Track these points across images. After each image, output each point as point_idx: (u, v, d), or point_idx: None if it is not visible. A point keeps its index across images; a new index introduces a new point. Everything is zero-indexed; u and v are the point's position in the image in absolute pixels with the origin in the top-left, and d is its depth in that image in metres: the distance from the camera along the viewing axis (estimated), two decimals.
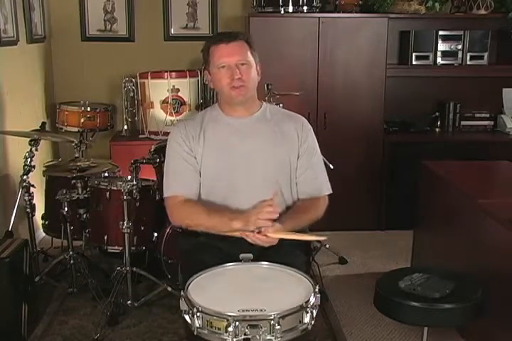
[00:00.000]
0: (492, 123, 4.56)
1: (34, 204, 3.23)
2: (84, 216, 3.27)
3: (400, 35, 4.52)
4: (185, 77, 4.20)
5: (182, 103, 4.19)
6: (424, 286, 2.25)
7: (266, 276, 1.90)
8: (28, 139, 3.14)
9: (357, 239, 4.17)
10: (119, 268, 3.06)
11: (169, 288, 3.07)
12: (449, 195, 2.98)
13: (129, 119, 4.39)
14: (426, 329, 2.36)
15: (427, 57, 4.38)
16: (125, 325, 2.93)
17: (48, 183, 3.52)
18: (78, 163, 3.37)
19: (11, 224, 3.10)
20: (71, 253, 3.21)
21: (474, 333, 2.67)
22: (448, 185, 2.98)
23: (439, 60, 4.39)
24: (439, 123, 4.55)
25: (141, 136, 4.30)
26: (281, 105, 3.12)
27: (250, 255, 1.98)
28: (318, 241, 3.70)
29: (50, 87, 4.45)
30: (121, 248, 3.11)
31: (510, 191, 2.91)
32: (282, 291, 1.81)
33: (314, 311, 1.71)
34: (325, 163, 2.37)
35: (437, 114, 4.56)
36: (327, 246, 3.73)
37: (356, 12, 4.14)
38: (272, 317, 1.61)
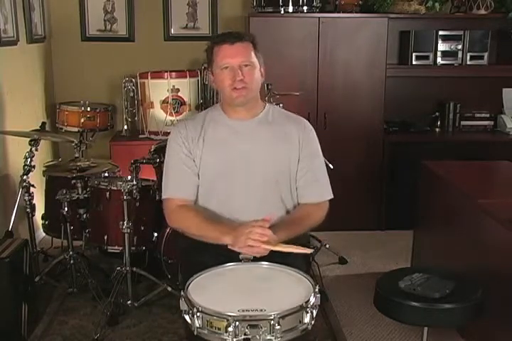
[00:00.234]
0: (492, 123, 4.56)
1: (34, 204, 3.23)
2: (84, 216, 3.28)
3: (399, 35, 4.52)
4: (185, 77, 4.20)
5: (182, 103, 4.19)
6: (424, 286, 2.24)
7: (266, 276, 1.90)
8: (28, 139, 3.14)
9: (357, 239, 4.17)
10: (119, 268, 3.06)
11: (169, 288, 3.07)
12: (449, 195, 2.98)
13: (129, 119, 4.39)
14: (426, 329, 2.36)
15: (427, 57, 4.38)
16: (125, 325, 2.93)
17: (47, 183, 3.52)
18: (78, 163, 3.37)
19: (11, 224, 3.11)
20: (71, 253, 3.21)
21: (474, 333, 2.67)
22: (448, 185, 2.98)
23: (439, 60, 4.39)
24: (439, 123, 4.56)
25: (141, 136, 4.30)
26: (281, 105, 3.12)
27: (250, 255, 1.98)
28: (318, 241, 3.71)
29: (50, 87, 4.45)
30: (121, 248, 3.11)
31: (510, 191, 2.91)
32: (282, 291, 1.81)
33: (314, 311, 1.71)
34: (325, 163, 2.36)
35: (437, 114, 4.56)
36: (327, 246, 3.73)
37: (356, 12, 4.14)
38: (271, 317, 1.61)
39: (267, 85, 3.54)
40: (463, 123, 4.57)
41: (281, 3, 4.01)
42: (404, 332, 2.87)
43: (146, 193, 3.18)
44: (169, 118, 4.15)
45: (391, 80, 4.22)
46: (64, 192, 3.12)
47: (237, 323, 1.60)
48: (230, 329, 1.60)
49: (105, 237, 3.17)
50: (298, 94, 3.83)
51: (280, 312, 1.62)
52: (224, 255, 2.03)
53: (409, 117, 4.53)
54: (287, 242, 2.02)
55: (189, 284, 1.81)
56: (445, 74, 4.51)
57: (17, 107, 3.72)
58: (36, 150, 3.13)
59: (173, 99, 4.16)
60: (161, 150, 3.04)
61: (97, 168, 3.37)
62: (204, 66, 4.34)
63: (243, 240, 1.92)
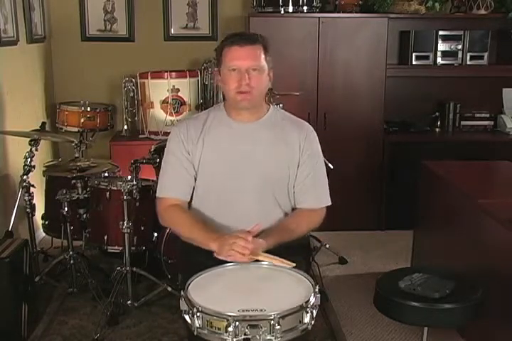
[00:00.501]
0: (492, 123, 4.56)
1: (34, 204, 3.23)
2: (84, 216, 3.28)
3: (400, 35, 4.52)
4: (185, 77, 4.20)
5: (182, 103, 4.19)
6: (424, 286, 2.25)
7: (266, 276, 1.90)
8: (28, 139, 3.14)
9: (357, 239, 4.17)
10: (119, 268, 3.06)
11: (169, 288, 3.07)
12: (449, 195, 2.98)
13: (129, 119, 4.39)
14: (426, 329, 2.36)
15: (427, 57, 4.38)
16: (125, 325, 2.93)
17: (47, 183, 3.52)
18: (78, 163, 3.37)
19: (11, 224, 3.11)
20: (71, 253, 3.21)
21: (474, 333, 2.67)
22: (448, 185, 2.98)
23: (439, 60, 4.39)
24: (439, 123, 4.56)
25: (141, 136, 4.30)
26: (281, 105, 3.12)
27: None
28: (318, 241, 3.71)
29: (50, 87, 4.45)
30: (121, 248, 3.11)
31: (510, 191, 2.91)
32: (282, 291, 1.81)
33: (314, 311, 1.71)
34: (325, 163, 2.36)
35: (437, 114, 4.56)
36: (327, 246, 3.73)
37: (356, 12, 4.14)
38: (272, 317, 1.61)
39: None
40: (463, 123, 4.57)
41: (281, 3, 4.01)
42: (404, 332, 2.87)
43: (146, 193, 3.18)
44: (169, 118, 4.16)
45: (391, 80, 4.22)
46: (64, 192, 3.13)
47: (237, 323, 1.60)
48: (230, 329, 1.60)
49: (105, 237, 3.17)
50: (298, 94, 3.83)
51: (280, 312, 1.62)
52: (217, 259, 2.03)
53: (409, 117, 4.53)
54: (284, 246, 2.02)
55: (189, 284, 1.81)
56: (445, 74, 4.51)
57: (17, 107, 3.72)
58: (36, 150, 3.13)
59: (173, 99, 4.16)
60: (161, 150, 3.03)
61: (97, 168, 3.37)
62: (204, 66, 4.35)
63: (226, 250, 1.92)
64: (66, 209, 3.13)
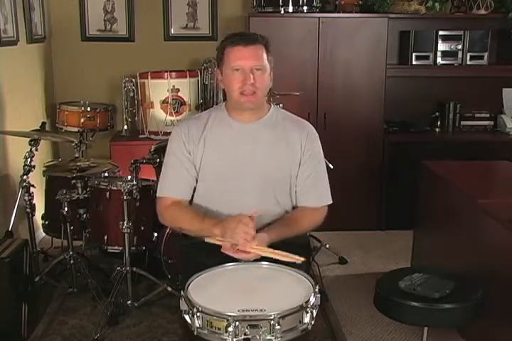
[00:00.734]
0: (492, 123, 4.56)
1: (34, 204, 3.23)
2: (84, 216, 3.28)
3: (400, 35, 4.52)
4: (185, 77, 4.20)
5: (182, 103, 4.19)
6: (424, 286, 2.25)
7: (266, 276, 1.90)
8: (28, 139, 3.14)
9: (357, 239, 4.17)
10: (119, 268, 3.06)
11: (169, 288, 3.07)
12: (449, 195, 2.98)
13: (129, 119, 4.39)
14: (426, 329, 2.36)
15: (427, 57, 4.38)
16: (125, 325, 2.93)
17: (47, 183, 3.52)
18: (78, 163, 3.37)
19: (11, 224, 3.11)
20: (71, 253, 3.21)
21: (474, 333, 2.67)
22: (448, 185, 2.98)
23: (439, 60, 4.39)
24: (439, 123, 4.56)
25: (141, 136, 4.30)
26: (281, 105, 3.12)
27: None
28: (318, 241, 3.71)
29: (50, 87, 4.45)
30: (121, 248, 3.11)
31: (510, 191, 2.91)
32: (282, 291, 1.81)
33: (314, 311, 1.71)
34: (325, 164, 2.36)
35: (437, 114, 4.56)
36: (327, 246, 3.73)
37: (356, 12, 4.14)
38: (272, 317, 1.61)
39: None
40: (463, 123, 4.57)
41: (281, 3, 4.01)
42: (404, 332, 2.87)
43: (146, 193, 3.18)
44: (169, 118, 4.16)
45: (391, 80, 4.22)
46: (64, 192, 3.12)
47: (237, 323, 1.60)
48: (230, 329, 1.60)
49: (105, 237, 3.17)
50: (298, 94, 3.83)
51: (280, 312, 1.62)
52: (224, 255, 2.04)
53: (409, 117, 4.53)
54: (284, 243, 2.02)
55: (189, 284, 1.81)
56: (445, 74, 4.51)
57: (17, 107, 3.72)
58: (36, 150, 3.13)
59: (173, 99, 4.16)
60: (161, 150, 3.03)
61: (97, 168, 3.37)
62: (204, 66, 4.35)
63: (229, 235, 1.94)
64: (66, 209, 3.13)
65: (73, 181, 3.25)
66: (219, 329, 1.63)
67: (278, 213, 2.20)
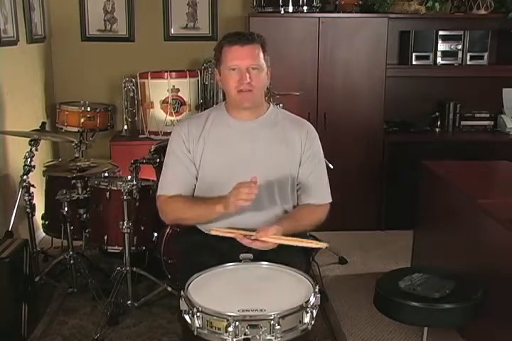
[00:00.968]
0: (492, 123, 4.56)
1: (34, 204, 3.23)
2: (84, 216, 3.28)
3: (400, 35, 4.52)
4: (185, 77, 4.20)
5: (182, 103, 4.19)
6: (424, 286, 2.25)
7: (266, 276, 1.90)
8: (28, 139, 3.14)
9: (357, 239, 4.17)
10: (119, 268, 3.06)
11: (169, 288, 3.07)
12: (449, 195, 2.98)
13: (129, 119, 4.39)
14: (426, 329, 2.36)
15: (427, 57, 4.38)
16: (125, 325, 2.93)
17: (47, 183, 3.52)
18: (78, 163, 3.37)
19: (11, 224, 3.11)
20: (71, 253, 3.21)
21: (474, 333, 2.67)
22: (448, 185, 2.98)
23: (439, 60, 4.39)
24: (439, 123, 4.56)
25: (141, 136, 4.30)
26: (281, 105, 3.12)
27: (250, 255, 1.98)
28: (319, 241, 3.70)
29: (50, 87, 4.45)
30: (121, 248, 3.11)
31: (510, 191, 2.90)
32: (282, 291, 1.81)
33: (314, 311, 1.71)
34: (325, 164, 2.36)
35: (437, 114, 4.56)
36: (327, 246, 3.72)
37: (356, 12, 4.14)
38: (272, 317, 1.61)
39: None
40: (463, 123, 4.57)
41: (281, 3, 4.01)
42: (404, 332, 2.87)
43: (146, 193, 3.18)
44: (169, 118, 4.15)
45: (391, 80, 4.22)
46: (64, 192, 3.12)
47: (237, 323, 1.60)
48: (230, 329, 1.60)
49: (105, 237, 3.17)
50: (298, 94, 3.83)
51: (280, 312, 1.62)
52: (224, 255, 2.04)
53: (409, 117, 4.53)
54: (284, 246, 2.03)
55: (189, 284, 1.81)
56: (445, 74, 4.51)
57: (17, 107, 3.72)
58: (36, 150, 3.13)
59: (173, 99, 4.16)
60: (161, 150, 3.03)
61: (97, 168, 3.37)
62: (204, 66, 4.35)
63: (233, 202, 1.96)
64: (66, 209, 3.13)
65: (73, 181, 3.25)
66: (219, 329, 1.63)
67: (277, 212, 2.20)
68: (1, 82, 3.48)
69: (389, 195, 4.31)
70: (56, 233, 3.37)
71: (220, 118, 2.22)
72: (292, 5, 4.01)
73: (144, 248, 3.24)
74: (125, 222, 2.97)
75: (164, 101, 4.16)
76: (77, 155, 3.56)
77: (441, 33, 4.36)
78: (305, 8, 4.04)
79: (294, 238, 2.01)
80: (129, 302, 3.04)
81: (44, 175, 3.54)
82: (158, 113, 4.19)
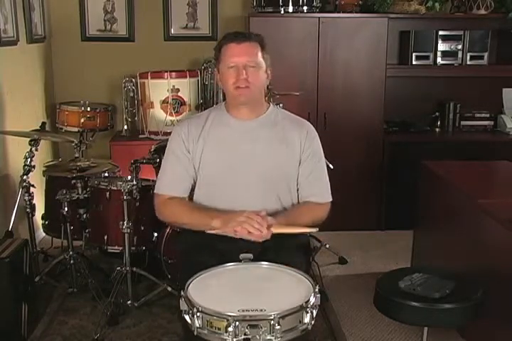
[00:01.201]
0: (492, 123, 4.56)
1: (34, 204, 3.23)
2: (84, 216, 3.28)
3: (400, 35, 4.52)
4: (185, 77, 4.20)
5: (182, 103, 4.19)
6: (424, 286, 2.25)
7: (266, 276, 1.90)
8: (28, 139, 3.14)
9: (357, 239, 4.17)
10: (119, 268, 3.06)
11: (169, 288, 3.07)
12: (449, 195, 2.98)
13: (129, 119, 4.39)
14: (426, 329, 2.36)
15: (427, 57, 4.38)
16: (125, 325, 2.93)
17: (47, 183, 3.52)
18: (78, 163, 3.37)
19: (11, 224, 3.10)
20: (71, 253, 3.21)
21: (474, 333, 2.67)
22: (448, 185, 2.98)
23: (439, 60, 4.39)
24: (439, 123, 4.56)
25: (141, 136, 4.30)
26: (281, 105, 3.11)
27: (250, 255, 1.98)
28: (318, 241, 3.70)
29: (50, 87, 4.45)
30: (121, 248, 3.11)
31: (510, 191, 2.90)
32: (282, 291, 1.81)
33: (314, 311, 1.71)
34: (325, 164, 2.36)
35: (437, 114, 4.56)
36: (327, 246, 3.73)
37: (356, 12, 4.14)
38: (272, 317, 1.61)
39: (267, 85, 3.53)
40: (463, 123, 4.57)
41: (281, 3, 4.01)
42: (404, 332, 2.87)
43: (146, 193, 3.17)
44: (169, 118, 4.15)
45: (391, 80, 4.22)
46: (64, 192, 3.12)
47: (237, 323, 1.60)
48: (230, 329, 1.60)
49: (105, 237, 3.17)
50: (298, 94, 3.83)
51: (280, 312, 1.62)
52: (224, 255, 2.04)
53: (409, 117, 4.53)
54: (284, 243, 2.03)
55: (189, 284, 1.81)
56: (445, 74, 4.51)
57: (17, 107, 3.72)
58: (36, 150, 3.13)
59: (173, 99, 4.16)
60: (161, 150, 3.03)
61: (97, 168, 3.37)
62: (204, 66, 4.35)
63: (234, 226, 1.97)
64: (66, 209, 3.13)
65: (73, 181, 3.25)
66: (219, 329, 1.63)
67: (278, 211, 2.20)
68: (1, 82, 3.48)
69: (389, 195, 4.31)
70: (56, 233, 3.37)
71: (219, 118, 2.22)
72: (292, 5, 4.02)
73: (144, 248, 3.24)
74: (125, 222, 2.97)
75: (164, 101, 4.16)
76: (77, 155, 3.56)
77: (441, 33, 4.36)
78: (305, 8, 4.04)
79: (286, 226, 2.01)
80: (129, 302, 3.04)
81: (44, 175, 3.54)
82: (158, 113, 4.19)
